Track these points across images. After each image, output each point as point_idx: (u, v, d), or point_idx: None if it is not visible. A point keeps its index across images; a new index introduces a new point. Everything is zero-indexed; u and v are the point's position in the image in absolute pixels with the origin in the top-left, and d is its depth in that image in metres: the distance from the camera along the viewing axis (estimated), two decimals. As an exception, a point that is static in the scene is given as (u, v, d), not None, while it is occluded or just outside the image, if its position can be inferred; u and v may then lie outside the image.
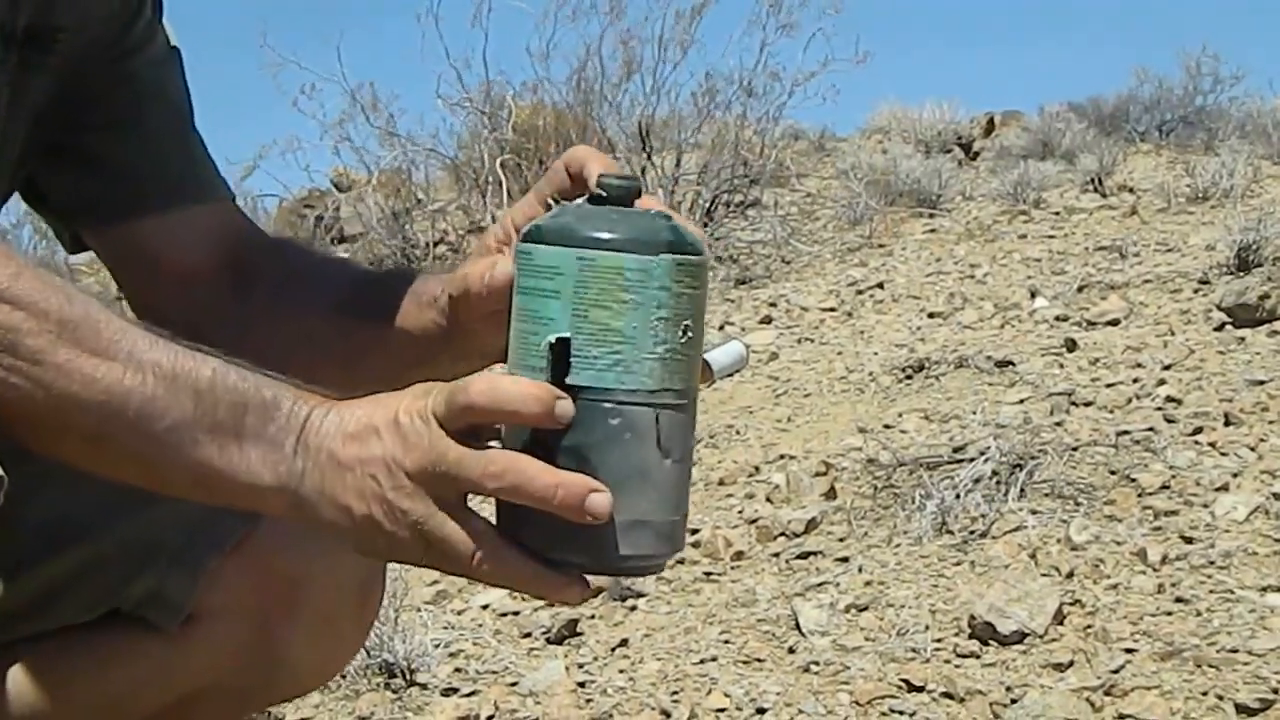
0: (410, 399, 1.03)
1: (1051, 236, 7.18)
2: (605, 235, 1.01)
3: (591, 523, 0.98)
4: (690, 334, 1.03)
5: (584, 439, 1.00)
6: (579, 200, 1.09)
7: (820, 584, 2.95)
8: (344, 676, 2.69)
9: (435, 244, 8.45)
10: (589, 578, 1.05)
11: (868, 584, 2.91)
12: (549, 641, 2.87)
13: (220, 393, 1.04)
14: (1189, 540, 2.86)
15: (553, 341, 1.00)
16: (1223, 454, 3.30)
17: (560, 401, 0.98)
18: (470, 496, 1.02)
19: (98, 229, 1.41)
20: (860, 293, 6.37)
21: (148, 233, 1.41)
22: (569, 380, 1.00)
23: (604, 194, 1.05)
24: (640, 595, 3.03)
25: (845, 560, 3.06)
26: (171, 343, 1.05)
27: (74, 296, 1.03)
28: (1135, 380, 4.07)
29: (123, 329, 1.04)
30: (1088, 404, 3.89)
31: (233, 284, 1.41)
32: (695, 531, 3.38)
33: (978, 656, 2.55)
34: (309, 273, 1.47)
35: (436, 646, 2.78)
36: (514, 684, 2.68)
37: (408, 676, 2.70)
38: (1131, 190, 8.42)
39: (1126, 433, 3.51)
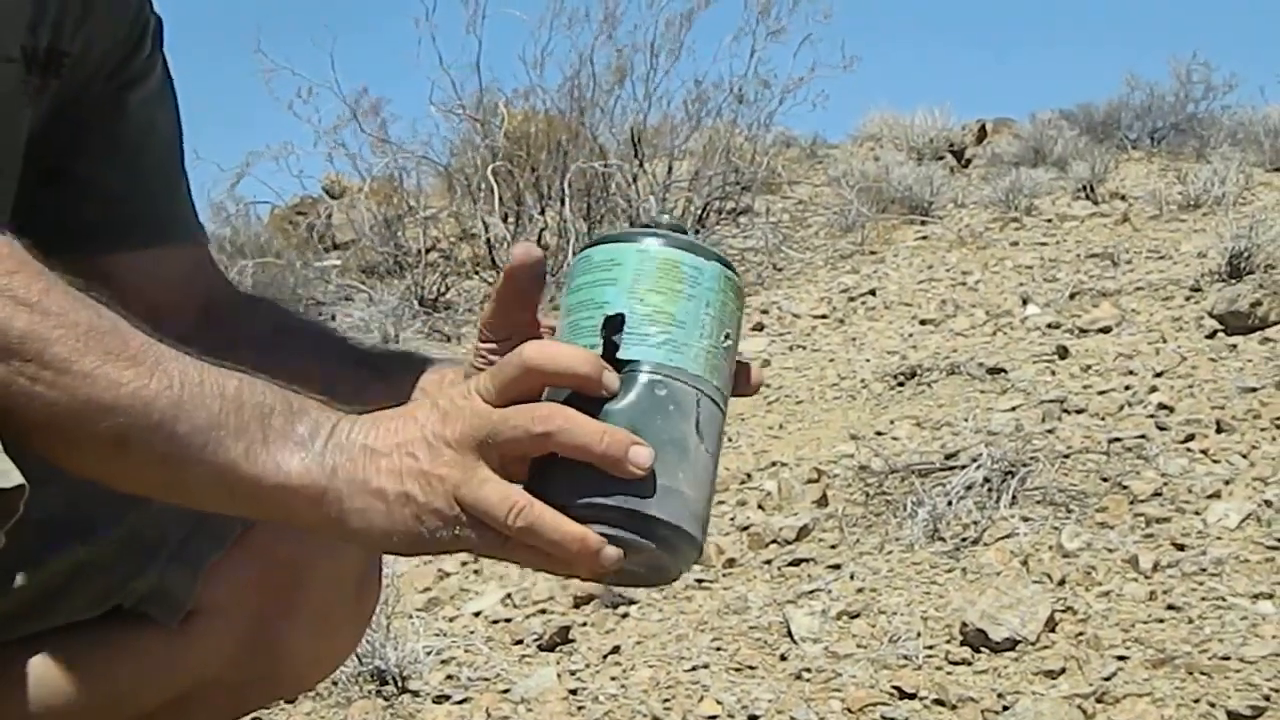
0: (448, 389, 1.07)
1: (1043, 244, 7.19)
2: (664, 236, 1.08)
3: (634, 473, 1.01)
4: (730, 341, 1.09)
5: (630, 407, 1.03)
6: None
7: (812, 591, 2.94)
8: (336, 684, 2.68)
9: (427, 251, 8.45)
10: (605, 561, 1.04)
11: (859, 591, 2.91)
12: (541, 649, 2.87)
13: (246, 398, 1.04)
14: (1181, 547, 2.86)
15: (609, 314, 1.05)
16: (1215, 461, 3.31)
17: (608, 371, 1.02)
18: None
19: (73, 257, 1.41)
20: (852, 300, 6.38)
21: (124, 266, 1.42)
22: (621, 354, 1.04)
23: (657, 224, 1.10)
24: (632, 603, 3.03)
25: (837, 567, 3.06)
26: (197, 357, 1.05)
27: (103, 311, 1.04)
28: (1127, 387, 4.08)
29: (150, 341, 1.04)
30: (1079, 411, 3.90)
31: (205, 325, 1.41)
32: (687, 538, 3.38)
33: (969, 663, 2.55)
34: (305, 328, 1.49)
35: (428, 654, 2.78)
36: (506, 691, 2.67)
37: (400, 684, 2.69)
38: (1123, 197, 8.43)
39: (1118, 440, 3.52)
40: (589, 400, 1.03)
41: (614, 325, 1.05)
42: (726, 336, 1.08)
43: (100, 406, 1.01)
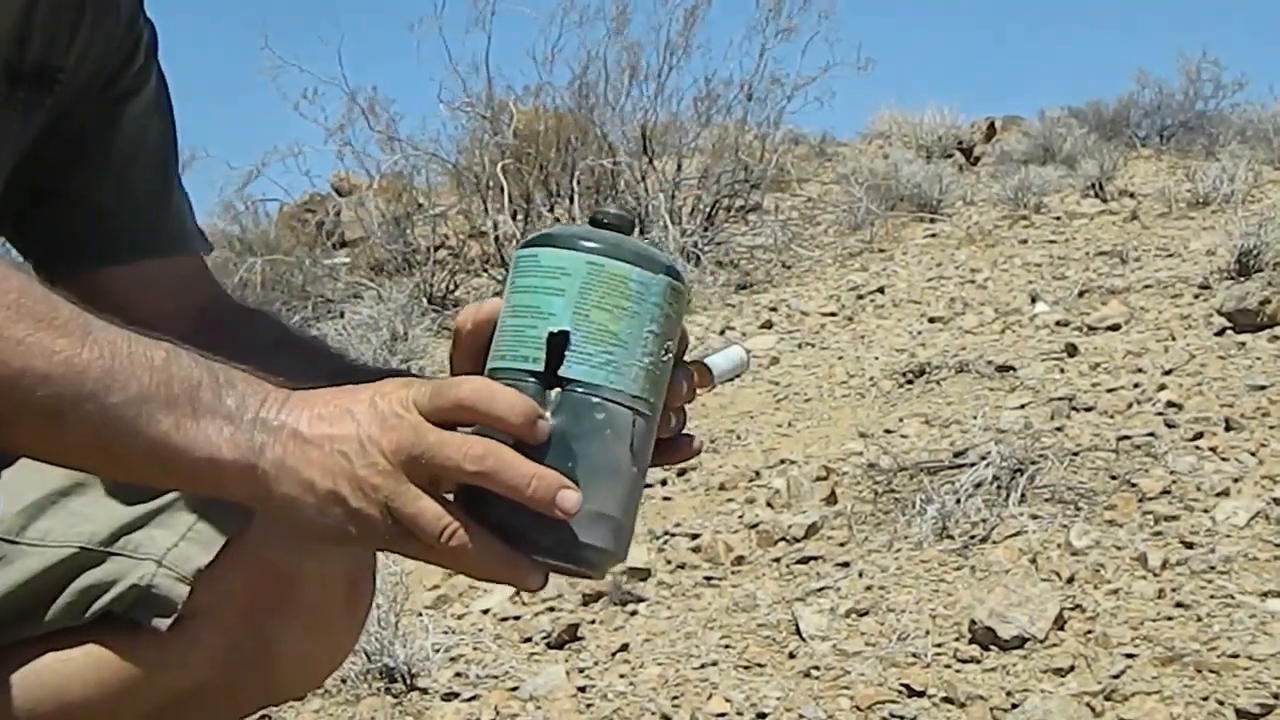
0: (388, 387, 1.06)
1: (1052, 241, 7.18)
2: (615, 246, 1.07)
3: (560, 517, 1.02)
4: (669, 354, 1.09)
5: (568, 429, 1.04)
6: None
7: (821, 589, 2.95)
8: (344, 681, 2.69)
9: (436, 249, 8.46)
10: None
11: (868, 589, 2.91)
12: (549, 646, 2.87)
13: (175, 370, 1.05)
14: (1189, 545, 2.86)
15: (553, 332, 1.05)
16: (1223, 459, 3.30)
17: (540, 421, 1.03)
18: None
19: (64, 272, 1.41)
20: (861, 298, 6.38)
21: (116, 280, 1.44)
22: (562, 372, 1.05)
23: (603, 220, 1.10)
24: (640, 600, 3.03)
25: (846, 565, 3.06)
26: (124, 326, 1.06)
27: (33, 282, 1.04)
28: (1136, 385, 4.07)
29: (78, 311, 1.04)
30: (1088, 409, 3.89)
31: (201, 337, 1.42)
32: (696, 536, 3.38)
33: (978, 661, 2.55)
34: (303, 343, 1.50)
35: (437, 651, 2.78)
36: (514, 688, 2.68)
37: (408, 681, 2.70)
38: (1132, 195, 8.42)
39: (1127, 438, 3.51)
40: (532, 399, 1.04)
41: (558, 343, 1.05)
42: (667, 350, 1.08)
43: (35, 376, 1.01)
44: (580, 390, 1.05)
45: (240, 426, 1.04)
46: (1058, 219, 7.88)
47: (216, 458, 1.04)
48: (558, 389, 1.05)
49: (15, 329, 1.01)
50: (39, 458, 1.09)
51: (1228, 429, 3.52)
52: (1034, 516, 3.10)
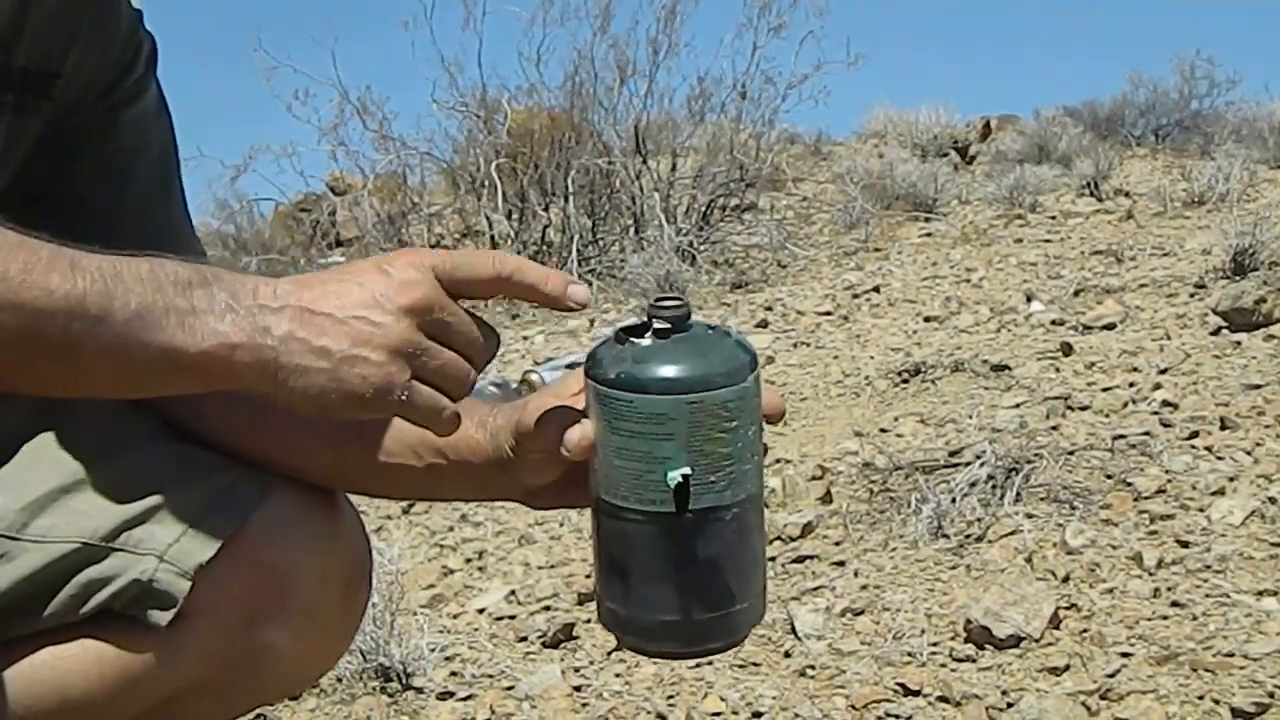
0: (395, 256, 1.13)
1: (1048, 240, 7.19)
2: (705, 377, 1.12)
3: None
4: (762, 430, 1.17)
5: (710, 550, 1.14)
6: (645, 338, 1.16)
7: (816, 588, 2.94)
8: (340, 680, 2.69)
9: (431, 248, 8.44)
10: None
11: (864, 588, 2.91)
12: (545, 645, 2.86)
13: (163, 277, 1.09)
14: (1185, 544, 2.86)
15: (679, 480, 1.11)
16: (1219, 458, 3.30)
17: (572, 286, 1.15)
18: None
19: None
20: (856, 297, 6.38)
21: None
22: (692, 505, 1.13)
23: (668, 326, 1.15)
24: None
25: (841, 564, 3.06)
26: (97, 250, 1.09)
27: (3, 228, 1.07)
28: (1131, 384, 4.08)
29: (56, 246, 1.08)
30: (1084, 408, 3.89)
31: None
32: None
33: (974, 660, 2.55)
34: None
35: (432, 650, 2.78)
36: (510, 688, 2.67)
37: (404, 680, 2.69)
38: (1127, 194, 8.43)
39: (1122, 437, 3.51)
40: (675, 546, 1.14)
41: (684, 489, 1.12)
42: (760, 431, 1.15)
43: (41, 315, 1.04)
44: (712, 515, 1.13)
45: (240, 313, 1.09)
46: (1053, 218, 7.89)
47: (225, 343, 1.09)
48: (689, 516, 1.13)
49: (9, 270, 1.04)
50: (56, 393, 1.14)
51: (1223, 428, 3.52)
52: (1029, 515, 3.10)
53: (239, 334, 1.09)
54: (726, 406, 1.11)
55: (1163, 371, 4.16)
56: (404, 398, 1.11)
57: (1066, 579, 2.79)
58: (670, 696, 2.56)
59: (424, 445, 1.35)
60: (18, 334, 1.04)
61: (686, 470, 1.11)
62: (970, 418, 3.94)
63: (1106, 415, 3.80)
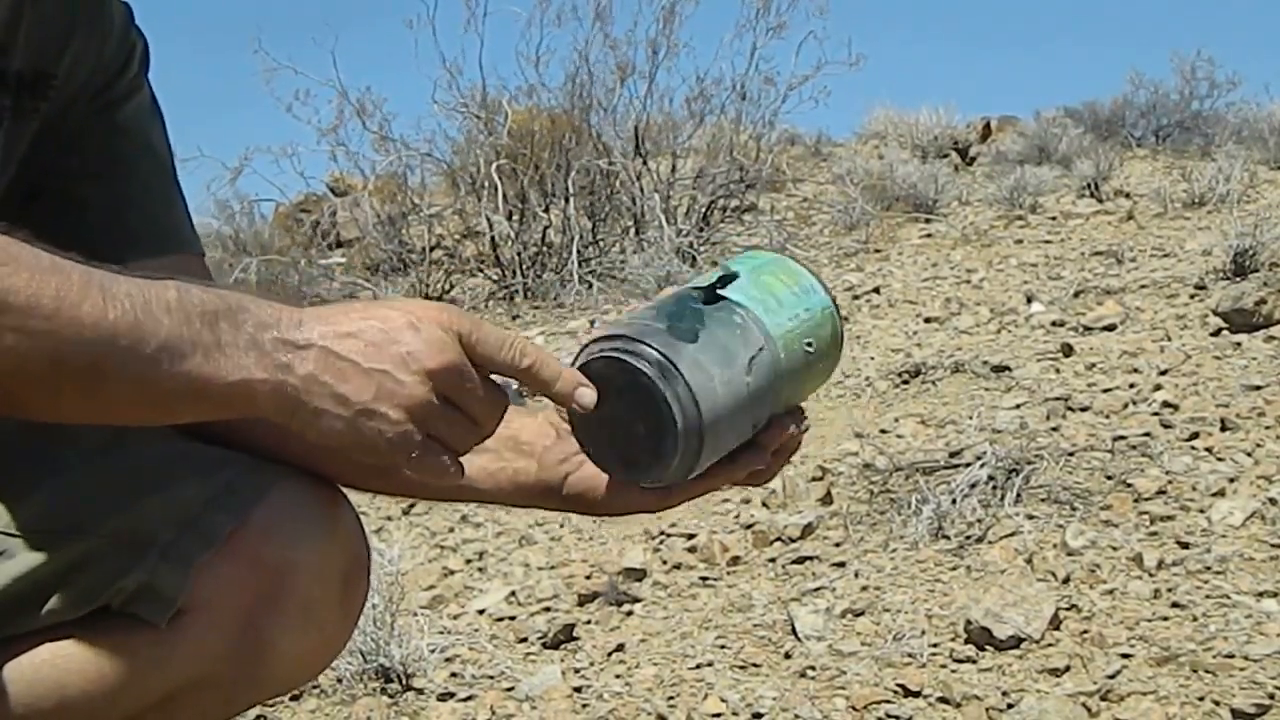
0: (422, 310, 1.15)
1: (1048, 241, 7.18)
2: (804, 262, 1.31)
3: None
4: (809, 355, 1.29)
5: (709, 318, 1.24)
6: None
7: (816, 589, 2.95)
8: (340, 681, 2.69)
9: (431, 248, 8.45)
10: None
11: (864, 589, 2.91)
12: (545, 646, 2.87)
13: (189, 308, 1.09)
14: (1185, 545, 2.86)
15: (726, 272, 1.29)
16: (1219, 459, 3.30)
17: (581, 389, 1.20)
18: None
19: None
20: (857, 298, 6.37)
21: None
22: (722, 291, 1.27)
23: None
24: (636, 600, 3.03)
25: (841, 565, 3.06)
26: (131, 274, 1.10)
27: (36, 250, 1.06)
28: (1131, 385, 4.08)
29: (87, 270, 1.07)
30: (1084, 409, 3.89)
31: None
32: (692, 536, 3.38)
33: (974, 661, 2.55)
34: None
35: (433, 651, 2.78)
36: (510, 689, 2.67)
37: (404, 681, 2.69)
38: (1128, 195, 8.43)
39: (1123, 438, 3.51)
40: (691, 303, 1.27)
41: (728, 276, 1.28)
42: (810, 343, 1.28)
43: (71, 347, 1.05)
44: (732, 305, 1.26)
45: (264, 348, 1.11)
46: (1053, 219, 7.88)
47: (248, 379, 1.10)
48: (714, 304, 1.25)
49: (42, 304, 1.04)
50: (79, 420, 1.14)
51: (1223, 429, 3.52)
52: (1030, 517, 3.10)
53: (262, 370, 1.10)
54: (799, 277, 1.32)
55: (1163, 372, 4.16)
56: (415, 456, 1.15)
57: (1067, 580, 2.79)
58: (670, 697, 2.56)
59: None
60: (48, 363, 1.05)
61: (739, 272, 1.30)
62: (970, 419, 3.94)
63: (1107, 416, 3.80)
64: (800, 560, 3.13)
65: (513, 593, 3.18)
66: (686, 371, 1.19)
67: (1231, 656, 2.41)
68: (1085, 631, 2.58)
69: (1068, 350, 4.62)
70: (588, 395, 1.20)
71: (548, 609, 3.07)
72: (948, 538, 3.08)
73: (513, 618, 3.05)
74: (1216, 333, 4.58)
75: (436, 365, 1.13)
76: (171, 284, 1.10)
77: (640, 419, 1.21)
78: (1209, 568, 2.75)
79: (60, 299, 1.04)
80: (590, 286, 7.68)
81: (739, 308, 1.25)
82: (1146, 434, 3.53)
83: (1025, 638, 2.56)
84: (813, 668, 2.60)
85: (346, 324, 1.13)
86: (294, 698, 2.67)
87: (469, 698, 2.66)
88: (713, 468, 1.28)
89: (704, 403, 1.19)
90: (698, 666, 2.67)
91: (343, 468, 1.42)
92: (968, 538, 3.06)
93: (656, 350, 1.19)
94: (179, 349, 1.08)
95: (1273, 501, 2.98)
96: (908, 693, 2.46)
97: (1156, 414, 3.72)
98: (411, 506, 3.97)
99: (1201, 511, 3.01)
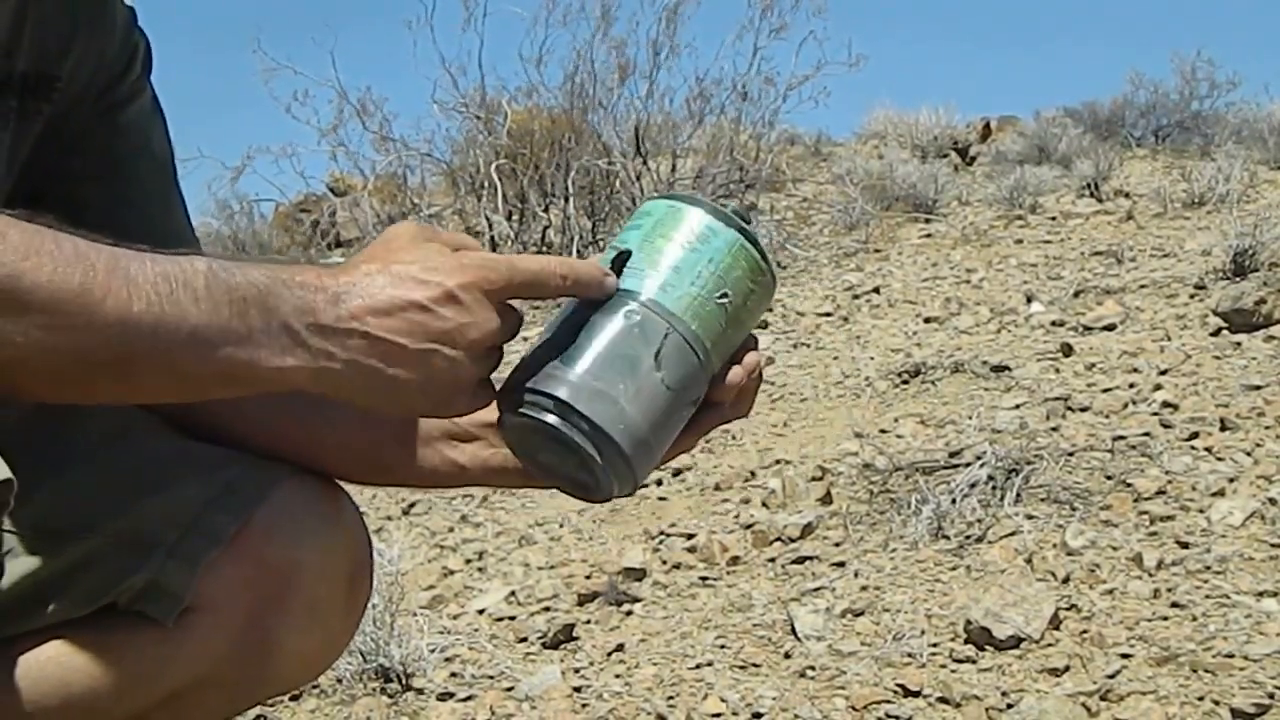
0: (464, 278, 1.14)
1: (1048, 241, 7.18)
2: (697, 199, 1.24)
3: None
4: (727, 300, 1.22)
5: (601, 319, 1.18)
6: None
7: (816, 589, 2.94)
8: (340, 681, 2.69)
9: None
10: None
11: (864, 589, 2.91)
12: (545, 646, 2.87)
13: (218, 295, 1.08)
14: (1185, 545, 2.86)
15: (620, 252, 1.22)
16: (1219, 459, 3.30)
17: (608, 279, 1.20)
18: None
19: None
20: (856, 298, 6.37)
21: None
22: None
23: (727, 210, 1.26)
24: (636, 600, 3.03)
25: (841, 565, 3.06)
26: (157, 257, 1.08)
27: (60, 238, 1.05)
28: (1131, 385, 4.08)
29: (112, 257, 1.06)
30: (1084, 409, 3.89)
31: None
32: (691, 536, 3.38)
33: (974, 661, 2.54)
34: None
35: (433, 651, 2.78)
36: (510, 689, 2.67)
37: (404, 681, 2.69)
38: (1128, 195, 8.43)
39: (1122, 438, 3.51)
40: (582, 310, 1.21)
41: (620, 260, 1.21)
42: (724, 295, 1.21)
43: (98, 341, 1.04)
44: (625, 297, 1.19)
45: (299, 334, 1.10)
46: (1053, 219, 7.88)
47: (282, 367, 1.10)
48: (603, 306, 1.19)
49: (67, 301, 1.03)
50: (115, 401, 1.16)
51: (1223, 429, 3.52)
52: (1029, 516, 3.10)
53: (296, 359, 1.10)
54: (695, 225, 1.23)
55: (1163, 372, 4.16)
56: (444, 382, 1.15)
57: (1066, 580, 2.79)
58: (670, 697, 2.56)
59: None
60: (76, 358, 1.04)
61: (628, 249, 1.22)
62: (970, 419, 3.94)
63: (1106, 416, 3.80)
64: (800, 560, 3.13)
65: (512, 593, 3.18)
66: (586, 406, 1.15)
67: (1231, 656, 2.41)
68: (1085, 631, 2.58)
69: (1067, 350, 4.62)
70: (610, 283, 1.20)
71: (547, 609, 3.07)
72: (947, 538, 3.08)
73: (512, 618, 3.05)
74: (1216, 333, 4.58)
75: (479, 335, 1.13)
76: (201, 267, 1.09)
77: (566, 460, 1.20)
78: (1209, 568, 2.75)
79: (84, 293, 1.03)
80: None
81: (631, 298, 1.19)
82: (1146, 434, 3.53)
83: (1025, 638, 2.56)
84: (812, 668, 2.60)
85: (383, 299, 1.12)
86: (294, 698, 2.67)
87: (469, 698, 2.66)
88: (678, 439, 1.25)
89: (614, 429, 1.16)
90: (697, 666, 2.67)
91: (341, 463, 1.42)
92: (967, 538, 3.06)
93: (549, 396, 1.16)
94: (208, 338, 1.07)
95: (1272, 501, 2.98)
96: (907, 693, 2.46)
97: (1156, 414, 3.72)
98: (411, 506, 3.98)
99: (1201, 511, 3.01)
